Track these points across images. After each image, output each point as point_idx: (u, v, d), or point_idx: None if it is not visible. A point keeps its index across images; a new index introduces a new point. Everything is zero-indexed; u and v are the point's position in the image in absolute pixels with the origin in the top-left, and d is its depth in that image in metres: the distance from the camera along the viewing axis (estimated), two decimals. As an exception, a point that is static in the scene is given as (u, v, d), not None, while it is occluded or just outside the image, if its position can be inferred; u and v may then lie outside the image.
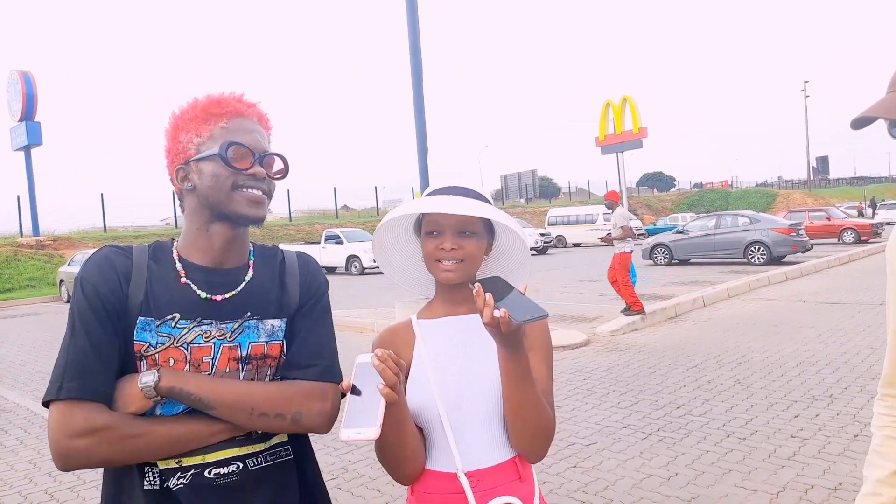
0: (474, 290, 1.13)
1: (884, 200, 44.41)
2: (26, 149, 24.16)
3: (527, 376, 1.18)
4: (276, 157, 1.25)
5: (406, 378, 1.30)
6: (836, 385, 5.36)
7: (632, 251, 9.36)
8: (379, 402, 1.04)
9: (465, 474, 1.24)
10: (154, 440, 1.12)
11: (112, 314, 1.13)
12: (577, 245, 32.59)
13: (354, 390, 1.06)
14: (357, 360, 1.10)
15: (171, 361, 1.14)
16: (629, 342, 7.74)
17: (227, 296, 1.20)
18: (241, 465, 1.19)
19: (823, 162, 73.58)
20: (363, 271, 21.71)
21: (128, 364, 1.15)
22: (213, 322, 1.17)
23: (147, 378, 1.12)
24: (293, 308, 1.26)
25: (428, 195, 1.33)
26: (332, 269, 23.60)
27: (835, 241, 23.05)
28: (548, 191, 55.80)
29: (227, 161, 1.17)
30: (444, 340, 1.33)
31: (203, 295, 1.18)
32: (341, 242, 22.89)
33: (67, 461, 1.10)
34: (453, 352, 1.32)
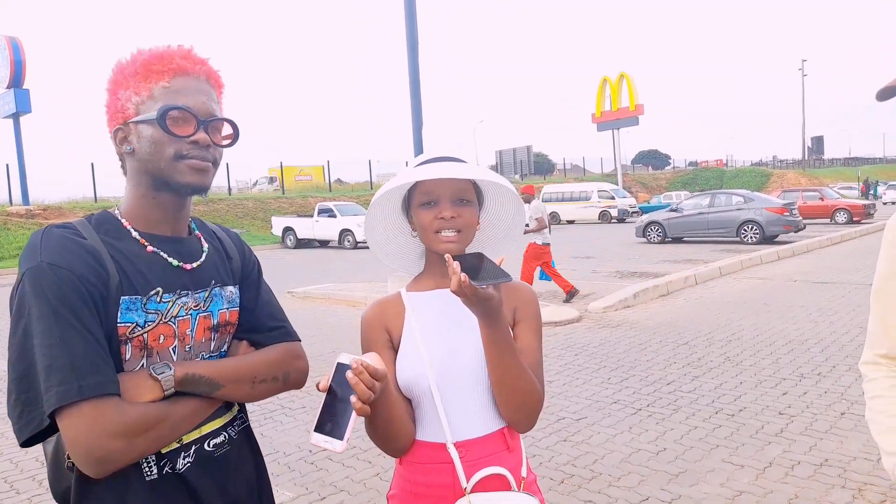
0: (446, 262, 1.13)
1: (878, 182, 44.54)
2: (15, 116, 23.77)
3: (508, 347, 1.19)
4: (224, 122, 1.16)
5: (396, 351, 1.30)
6: (824, 363, 5.41)
7: (547, 244, 9.43)
8: (349, 412, 0.99)
9: (454, 444, 1.24)
10: (175, 422, 1.07)
11: (97, 300, 1.02)
12: (570, 222, 32.59)
13: (331, 391, 1.01)
14: (338, 359, 1.03)
15: (161, 338, 1.09)
16: (621, 319, 7.77)
17: (194, 265, 1.16)
18: (226, 434, 1.20)
19: (819, 142, 73.55)
20: (356, 245, 21.66)
21: (115, 353, 1.06)
22: (189, 292, 1.14)
23: (163, 370, 1.07)
24: (239, 276, 1.27)
25: (418, 166, 1.29)
26: (325, 243, 23.56)
27: (827, 221, 23.14)
28: (543, 167, 55.63)
29: (165, 128, 1.07)
30: (435, 313, 1.32)
31: (175, 263, 1.13)
32: (334, 216, 22.79)
33: (106, 465, 0.99)
34: (443, 324, 1.31)
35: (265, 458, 1.31)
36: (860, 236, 17.59)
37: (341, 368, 1.02)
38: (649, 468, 3.54)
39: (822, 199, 24.35)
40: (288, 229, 24.26)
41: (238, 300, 1.25)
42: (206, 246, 1.21)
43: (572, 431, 4.14)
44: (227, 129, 1.16)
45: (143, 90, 1.09)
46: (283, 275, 14.36)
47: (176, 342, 1.12)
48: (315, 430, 1.00)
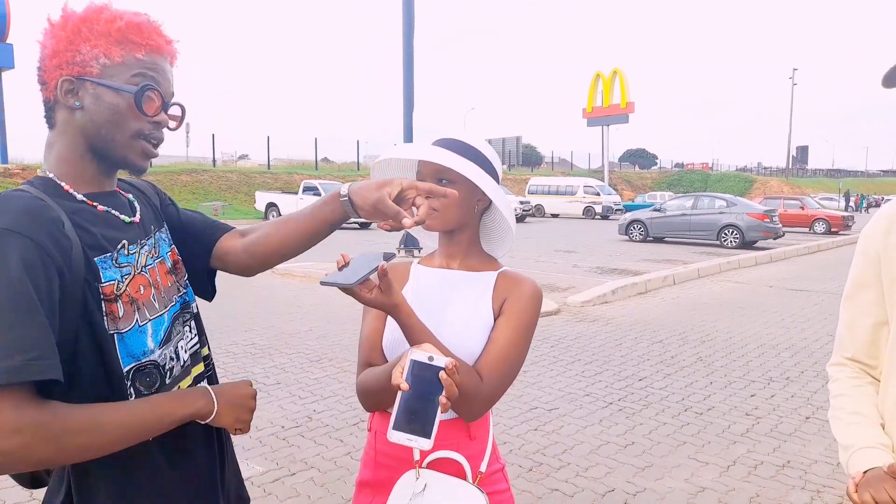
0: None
1: (858, 194, 45.33)
2: (-4, 72, 23.21)
3: (417, 338, 1.17)
4: (178, 106, 1.15)
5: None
6: (793, 368, 5.53)
7: None
8: (435, 409, 1.00)
9: None
10: (113, 431, 0.96)
11: (61, 273, 0.95)
12: (555, 215, 32.73)
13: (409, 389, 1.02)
14: (411, 355, 1.03)
15: (141, 289, 1.09)
16: (598, 314, 7.85)
17: (137, 218, 1.16)
18: (203, 380, 1.24)
19: (803, 151, 74.51)
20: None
21: (98, 319, 1.00)
22: (144, 243, 1.15)
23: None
24: (161, 214, 1.28)
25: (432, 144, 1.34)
26: (308, 221, 23.38)
27: (806, 230, 23.50)
28: (531, 159, 55.69)
29: (140, 105, 1.06)
30: (432, 290, 1.35)
31: (127, 219, 1.13)
32: (319, 194, 22.65)
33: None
34: (435, 303, 1.33)
35: (237, 434, 1.31)
36: (837, 247, 17.90)
37: (416, 365, 1.02)
38: (616, 461, 3.60)
39: (802, 207, 24.70)
40: (271, 205, 24.07)
41: (170, 237, 1.26)
42: (130, 196, 1.21)
43: (544, 421, 4.19)
44: (176, 113, 1.16)
45: (115, 54, 1.06)
46: (264, 250, 14.28)
47: (153, 291, 1.12)
48: (394, 429, 1.00)
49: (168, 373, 1.12)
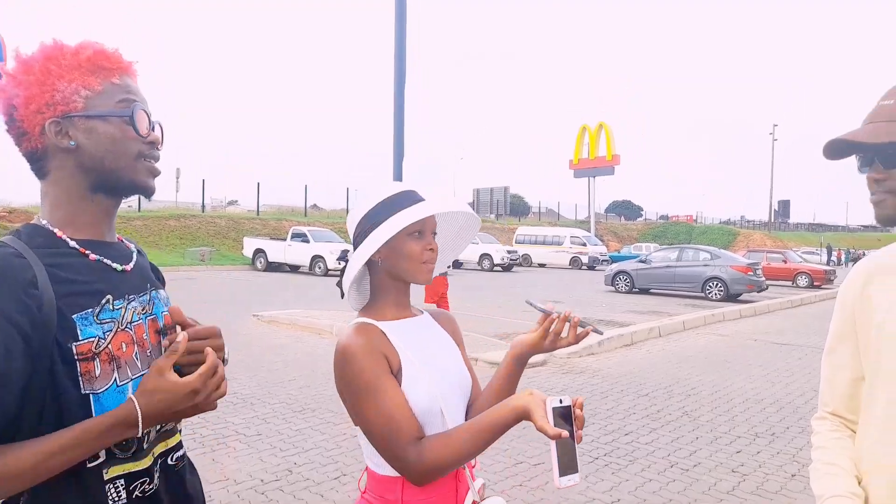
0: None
1: (839, 248, 46.09)
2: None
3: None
4: (159, 125, 1.15)
5: (399, 380, 1.27)
6: (778, 424, 5.51)
7: (443, 274, 9.78)
8: (573, 444, 1.10)
9: None
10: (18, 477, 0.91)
11: (26, 337, 0.92)
12: (542, 265, 32.91)
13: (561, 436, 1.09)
14: (551, 405, 1.10)
15: (124, 346, 1.05)
16: (585, 366, 7.83)
17: (131, 266, 1.12)
18: (181, 449, 1.20)
19: (785, 206, 75.93)
20: (327, 272, 21.51)
21: (66, 382, 0.97)
22: (135, 297, 1.11)
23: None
24: (161, 280, 1.27)
25: (417, 202, 1.32)
26: (295, 268, 23.36)
27: (789, 283, 23.75)
28: (518, 209, 56.28)
29: (135, 126, 1.06)
30: (416, 341, 1.34)
31: (118, 267, 1.09)
32: (307, 241, 22.67)
33: None
34: (427, 349, 1.34)
35: (215, 486, 1.30)
36: (820, 301, 18.08)
37: (556, 411, 1.09)
38: (602, 519, 3.54)
39: (785, 261, 25.03)
40: (259, 251, 24.02)
41: (168, 302, 1.23)
42: (132, 248, 1.19)
43: (529, 476, 4.13)
44: (158, 130, 1.15)
45: (94, 84, 1.05)
46: (249, 297, 14.19)
47: (136, 349, 1.07)
48: (560, 476, 1.07)
49: (146, 436, 1.07)
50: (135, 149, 1.08)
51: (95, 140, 1.05)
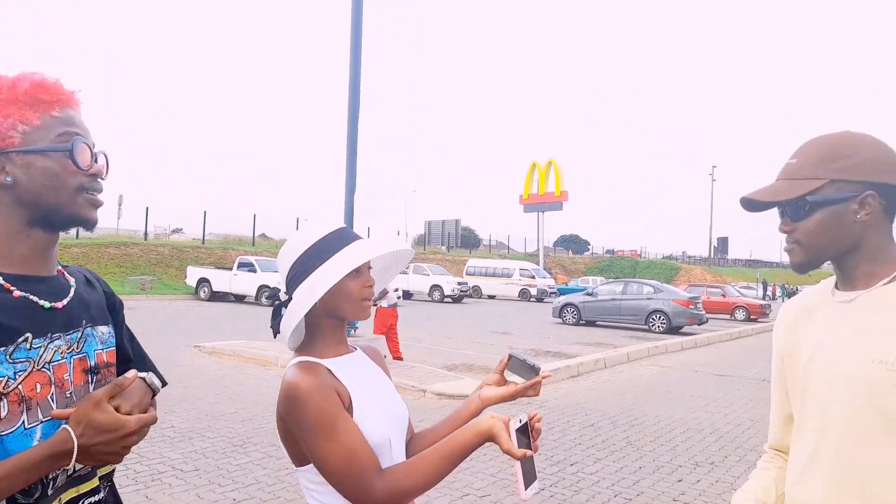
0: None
1: (774, 284, 48.17)
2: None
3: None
4: (103, 154, 1.13)
5: (351, 413, 1.25)
6: (717, 453, 5.66)
7: (392, 306, 9.97)
8: (531, 457, 1.17)
9: None
10: None
11: None
12: (492, 297, 33.13)
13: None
14: (514, 425, 1.17)
15: (38, 387, 1.01)
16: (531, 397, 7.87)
17: (65, 302, 1.09)
18: (102, 492, 1.14)
19: (724, 242, 79.00)
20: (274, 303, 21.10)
21: None
22: (60, 335, 1.06)
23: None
24: (108, 313, 1.22)
25: (352, 241, 1.33)
26: (241, 298, 22.82)
27: (728, 317, 24.60)
28: (469, 241, 56.76)
29: (75, 160, 1.04)
30: (360, 376, 1.34)
31: (46, 305, 1.05)
32: (254, 271, 22.24)
33: None
34: (370, 385, 1.35)
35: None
36: (756, 333, 18.76)
37: (518, 430, 1.17)
38: (547, 550, 3.54)
39: (724, 295, 25.96)
40: (203, 280, 23.41)
41: (113, 340, 1.20)
42: (72, 282, 1.15)
43: (475, 509, 4.10)
44: (102, 161, 1.12)
45: (32, 118, 1.03)
46: (191, 327, 13.75)
47: (53, 389, 1.03)
48: (525, 489, 1.14)
49: (51, 482, 1.02)
50: (75, 182, 1.06)
51: (33, 175, 1.03)
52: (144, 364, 1.27)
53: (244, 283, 22.27)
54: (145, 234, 31.67)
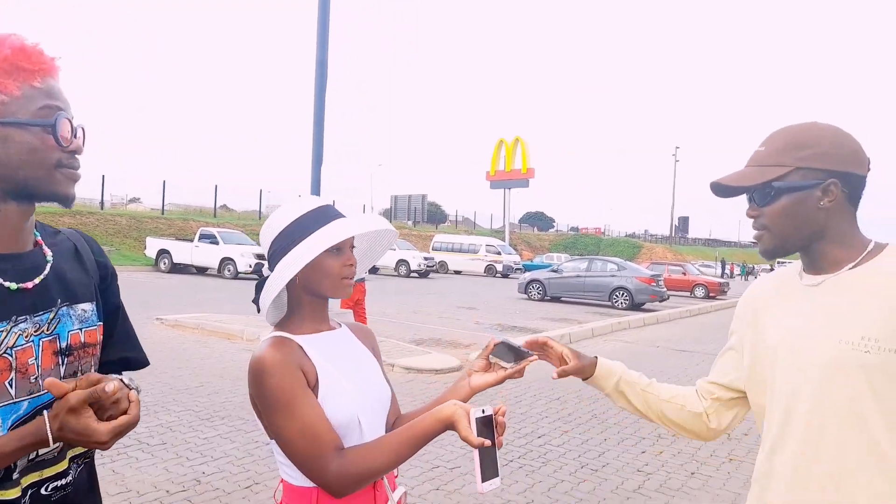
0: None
1: (732, 262, 49.54)
2: None
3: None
4: (82, 129, 1.08)
5: (316, 393, 1.24)
6: (679, 425, 5.83)
7: (359, 281, 10.10)
8: (495, 450, 1.13)
9: None
10: None
11: None
12: (458, 272, 33.26)
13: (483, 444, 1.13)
14: (475, 415, 1.13)
15: None
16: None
17: (36, 281, 1.04)
18: (72, 474, 1.11)
19: (685, 222, 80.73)
20: (237, 275, 20.78)
21: None
22: (28, 317, 1.01)
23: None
24: (95, 288, 1.17)
25: (335, 218, 1.30)
26: (203, 270, 22.42)
27: (688, 294, 25.24)
28: (435, 216, 56.70)
29: (56, 136, 1.00)
30: (334, 354, 1.33)
31: (13, 286, 1.00)
32: (216, 243, 21.80)
33: None
34: (346, 363, 1.33)
35: (116, 498, 1.21)
36: (715, 311, 19.31)
37: (479, 421, 1.12)
38: (517, 520, 3.61)
39: (684, 273, 26.61)
40: (163, 252, 22.86)
41: (96, 318, 1.14)
42: (49, 256, 1.09)
43: (445, 480, 4.15)
44: (80, 135, 1.08)
45: (12, 88, 0.98)
46: (152, 299, 13.46)
47: (13, 374, 0.98)
48: (483, 482, 1.11)
49: (16, 465, 0.99)
50: (53, 158, 1.01)
51: (10, 149, 0.98)
52: (127, 342, 1.23)
53: (206, 255, 21.83)
54: (101, 203, 30.70)
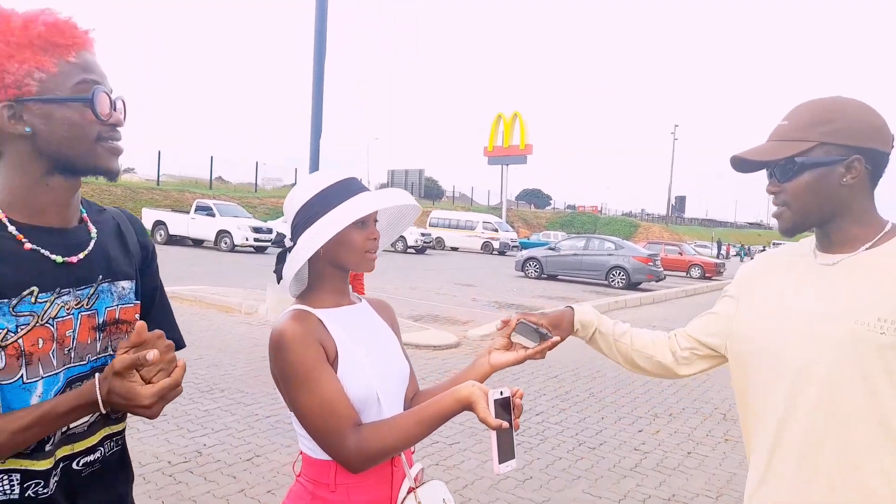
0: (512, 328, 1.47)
1: (729, 243, 49.69)
2: None
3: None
4: (121, 100, 1.08)
5: (335, 368, 1.25)
6: (675, 405, 5.88)
7: None
8: (511, 432, 1.14)
9: None
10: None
11: None
12: (454, 249, 33.26)
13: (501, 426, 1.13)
14: (493, 396, 1.13)
15: (40, 342, 0.99)
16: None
17: (80, 256, 1.05)
18: (102, 451, 1.12)
19: (681, 201, 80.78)
20: (233, 248, 20.75)
21: None
22: (70, 290, 1.03)
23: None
24: (135, 268, 1.18)
25: (360, 192, 1.29)
26: (199, 242, 22.36)
27: (684, 274, 25.33)
28: (433, 192, 56.51)
29: (95, 111, 1.00)
30: (355, 328, 1.32)
31: (59, 259, 1.02)
32: (213, 215, 21.71)
33: None
34: (366, 337, 1.33)
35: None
36: (710, 291, 19.40)
37: (497, 403, 1.13)
38: (515, 495, 3.65)
39: (681, 253, 26.66)
40: (159, 223, 22.76)
41: (133, 296, 1.15)
42: (93, 233, 1.10)
43: (445, 456, 4.18)
44: (121, 106, 1.08)
45: (48, 65, 0.97)
46: (150, 271, 13.43)
47: (55, 345, 1.01)
48: (500, 463, 1.12)
49: (51, 437, 1.01)
50: (94, 132, 1.02)
51: (53, 126, 0.99)
52: (164, 322, 1.21)
53: (202, 227, 21.75)
54: (97, 173, 30.48)
